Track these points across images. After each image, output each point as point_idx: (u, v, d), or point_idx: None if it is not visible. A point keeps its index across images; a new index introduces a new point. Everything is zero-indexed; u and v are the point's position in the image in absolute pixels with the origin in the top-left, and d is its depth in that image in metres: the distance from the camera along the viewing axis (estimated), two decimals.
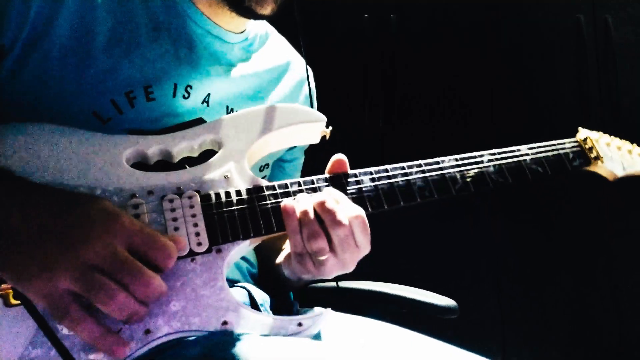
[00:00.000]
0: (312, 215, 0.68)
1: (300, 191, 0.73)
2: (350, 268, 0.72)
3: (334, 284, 0.95)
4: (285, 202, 0.70)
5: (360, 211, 0.70)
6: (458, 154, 0.83)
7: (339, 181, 0.75)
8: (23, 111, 0.71)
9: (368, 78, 1.85)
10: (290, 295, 0.97)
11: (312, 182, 0.75)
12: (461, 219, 1.82)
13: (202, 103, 0.82)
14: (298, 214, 0.69)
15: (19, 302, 0.59)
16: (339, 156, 0.77)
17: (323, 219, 0.68)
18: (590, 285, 1.88)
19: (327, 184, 0.75)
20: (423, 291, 0.99)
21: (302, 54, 0.95)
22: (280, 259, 0.83)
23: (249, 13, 0.80)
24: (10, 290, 0.59)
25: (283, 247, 0.86)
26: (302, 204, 0.69)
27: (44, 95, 0.71)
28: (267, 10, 0.79)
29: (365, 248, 0.71)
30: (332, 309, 0.90)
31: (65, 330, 0.59)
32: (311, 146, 1.01)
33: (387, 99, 1.86)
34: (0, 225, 0.57)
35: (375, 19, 1.86)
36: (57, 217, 0.58)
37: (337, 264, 0.70)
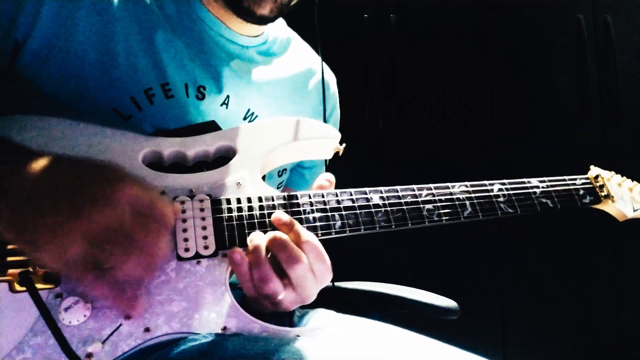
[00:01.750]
0: (262, 254, 0.64)
1: (306, 204, 0.72)
2: (311, 300, 0.67)
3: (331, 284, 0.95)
4: (233, 251, 0.65)
5: (314, 239, 0.66)
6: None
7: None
8: (46, 105, 0.71)
9: (368, 78, 1.85)
10: None
11: (322, 196, 0.74)
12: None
13: (222, 105, 0.82)
14: (248, 258, 0.64)
15: (24, 288, 0.59)
16: (327, 176, 0.76)
17: (277, 257, 0.64)
18: (590, 286, 1.88)
19: (350, 197, 0.74)
20: (423, 292, 0.99)
21: (321, 64, 0.95)
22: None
23: (249, 15, 0.80)
24: (16, 277, 0.60)
25: None
26: (252, 243, 0.65)
27: (65, 91, 0.72)
28: (265, 10, 0.79)
29: (324, 277, 0.66)
30: (332, 309, 0.91)
31: (66, 321, 0.59)
32: None
33: (387, 99, 1.86)
34: (13, 186, 0.55)
35: (375, 19, 1.86)
36: (70, 178, 0.56)
37: (296, 299, 0.66)
